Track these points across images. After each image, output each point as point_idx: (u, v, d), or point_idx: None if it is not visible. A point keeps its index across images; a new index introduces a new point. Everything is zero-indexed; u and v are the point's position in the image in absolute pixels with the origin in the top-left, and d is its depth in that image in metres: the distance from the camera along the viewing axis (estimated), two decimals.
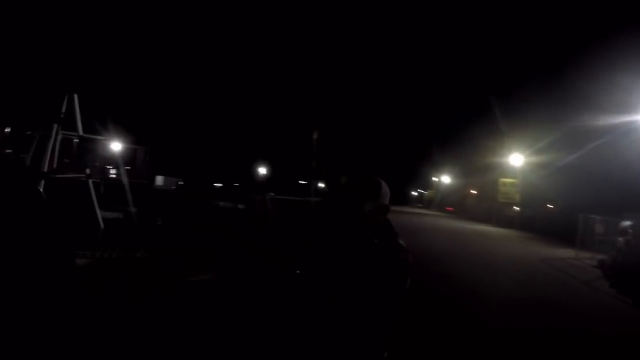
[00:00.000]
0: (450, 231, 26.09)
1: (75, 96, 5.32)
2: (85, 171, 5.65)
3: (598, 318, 8.25)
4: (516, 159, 33.83)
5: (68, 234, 4.30)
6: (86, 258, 5.58)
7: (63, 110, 5.17)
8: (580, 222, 17.44)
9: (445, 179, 67.74)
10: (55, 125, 5.13)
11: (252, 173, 58.83)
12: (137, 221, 8.36)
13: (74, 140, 6.67)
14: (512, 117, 36.33)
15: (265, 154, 61.00)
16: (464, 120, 70.86)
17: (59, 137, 5.19)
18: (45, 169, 4.88)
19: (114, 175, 18.74)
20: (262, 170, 60.61)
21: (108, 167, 19.48)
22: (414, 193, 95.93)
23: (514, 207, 34.47)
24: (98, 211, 5.50)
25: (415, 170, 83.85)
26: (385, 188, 2.50)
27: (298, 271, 2.65)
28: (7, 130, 14.22)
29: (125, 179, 13.48)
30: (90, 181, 5.61)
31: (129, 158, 20.13)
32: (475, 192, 50.54)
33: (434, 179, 76.82)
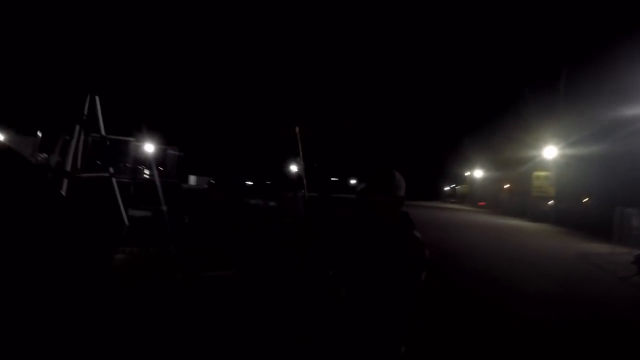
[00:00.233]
0: (483, 226, 25.69)
1: (97, 98, 5.46)
2: (109, 170, 5.78)
3: (634, 315, 8.00)
4: (550, 152, 33.00)
5: (90, 230, 4.43)
6: (117, 253, 5.73)
7: (85, 112, 5.32)
8: (616, 215, 16.88)
9: (478, 174, 66.72)
10: (78, 127, 5.27)
11: (284, 171, 59.31)
12: (166, 219, 8.49)
13: (107, 142, 6.85)
14: (545, 109, 35.55)
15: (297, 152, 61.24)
16: (496, 113, 69.66)
17: (82, 138, 5.34)
18: (69, 169, 5.05)
19: (147, 176, 19.22)
20: (294, 168, 61.01)
21: (140, 167, 20.00)
22: (446, 188, 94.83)
23: (548, 201, 33.68)
24: (122, 209, 5.63)
25: (447, 165, 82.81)
26: (400, 179, 2.46)
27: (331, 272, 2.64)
28: (39, 134, 14.65)
29: (156, 179, 13.84)
30: (114, 179, 5.73)
31: (161, 159, 20.62)
32: (508, 186, 49.60)
33: (466, 173, 75.75)
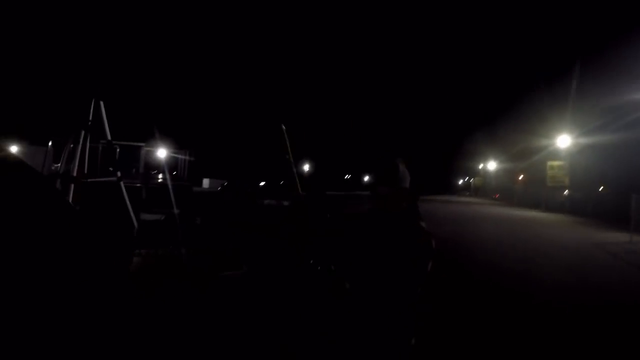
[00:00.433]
0: (497, 219, 25.49)
1: (102, 103, 5.53)
2: (117, 174, 5.85)
3: None
4: (564, 141, 32.64)
5: (103, 236, 4.48)
6: (133, 256, 5.80)
7: (90, 117, 5.39)
8: (633, 203, 16.67)
9: (491, 166, 66.33)
10: (83, 132, 5.35)
11: (297, 170, 59.42)
12: (177, 222, 8.56)
13: (113, 147, 6.92)
14: (559, 98, 35.21)
15: (309, 151, 61.49)
16: (509, 105, 69.24)
17: (88, 143, 5.42)
18: (74, 174, 5.13)
19: (161, 180, 19.42)
20: (306, 167, 61.16)
21: (152, 172, 20.22)
22: (460, 182, 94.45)
23: (563, 191, 33.32)
24: (131, 212, 5.69)
25: (460, 158, 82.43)
26: (404, 172, 2.47)
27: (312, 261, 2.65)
28: (50, 144, 14.83)
29: (169, 183, 14.01)
30: (122, 183, 5.80)
31: (172, 163, 20.83)
32: (522, 177, 49.20)
33: (480, 166, 75.39)
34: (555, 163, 34.41)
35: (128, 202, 5.64)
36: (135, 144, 18.20)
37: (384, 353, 2.34)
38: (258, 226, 11.39)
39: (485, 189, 70.30)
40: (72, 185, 5.17)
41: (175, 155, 20.91)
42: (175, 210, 9.97)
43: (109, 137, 5.72)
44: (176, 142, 21.89)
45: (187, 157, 20.46)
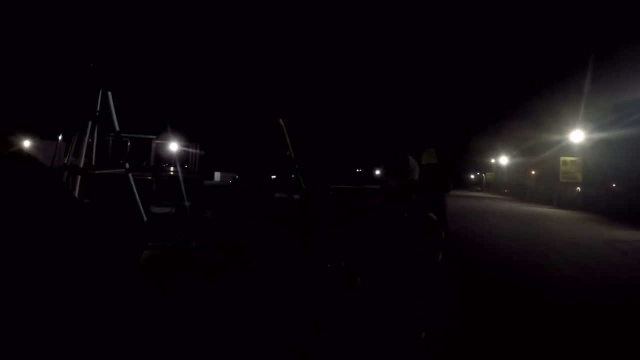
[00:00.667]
0: (509, 214, 25.31)
1: (109, 94, 5.53)
2: (125, 166, 5.86)
3: None
4: (577, 136, 32.22)
5: (106, 226, 4.48)
6: (143, 248, 5.81)
7: (98, 108, 5.40)
8: None
9: (504, 161, 65.82)
10: (90, 123, 5.36)
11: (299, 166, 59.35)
12: (188, 214, 8.58)
13: (121, 138, 6.94)
14: (572, 93, 34.77)
15: (322, 144, 61.46)
16: (521, 99, 68.67)
17: (95, 135, 5.43)
18: (81, 166, 5.15)
19: (172, 173, 19.52)
20: (310, 162, 61.00)
21: (163, 165, 20.32)
22: (472, 176, 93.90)
23: (576, 187, 32.96)
24: (140, 205, 5.70)
25: (472, 153, 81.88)
26: (414, 164, 2.48)
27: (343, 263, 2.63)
28: (60, 138, 14.91)
29: (180, 175, 14.09)
30: (130, 175, 5.80)
31: (183, 156, 20.93)
32: (534, 172, 48.74)
33: (492, 161, 74.86)
34: (569, 159, 34.02)
35: (137, 194, 5.65)
36: (147, 136, 18.30)
37: (394, 347, 2.33)
38: (269, 219, 11.40)
39: (497, 184, 69.86)
40: (79, 177, 5.18)
41: (186, 149, 20.99)
42: (186, 203, 10.01)
43: (117, 128, 5.73)
44: (187, 135, 21.98)
45: (198, 151, 20.54)
